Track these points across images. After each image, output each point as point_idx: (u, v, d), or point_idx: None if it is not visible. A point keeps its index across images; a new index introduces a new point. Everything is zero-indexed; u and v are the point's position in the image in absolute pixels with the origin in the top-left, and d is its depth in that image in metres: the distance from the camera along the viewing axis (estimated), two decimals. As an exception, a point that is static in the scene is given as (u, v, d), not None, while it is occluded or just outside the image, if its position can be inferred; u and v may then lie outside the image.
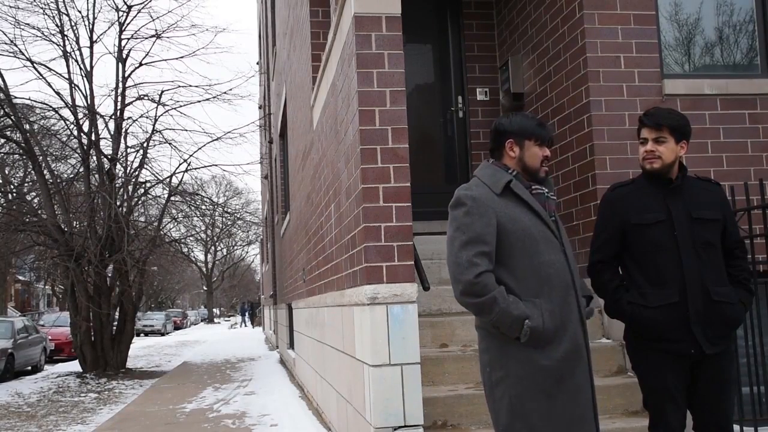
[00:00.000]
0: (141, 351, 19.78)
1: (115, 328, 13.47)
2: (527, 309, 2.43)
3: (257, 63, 21.61)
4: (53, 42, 13.31)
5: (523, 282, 2.48)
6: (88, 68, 13.32)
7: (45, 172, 13.20)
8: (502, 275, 2.48)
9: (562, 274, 2.53)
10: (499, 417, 2.51)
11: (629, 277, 2.90)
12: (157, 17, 16.35)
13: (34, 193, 16.42)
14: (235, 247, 56.80)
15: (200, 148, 17.88)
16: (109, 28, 16.78)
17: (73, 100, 13.14)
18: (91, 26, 13.43)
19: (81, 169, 13.71)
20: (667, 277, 2.79)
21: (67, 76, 13.16)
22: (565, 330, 2.48)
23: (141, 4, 13.60)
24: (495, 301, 2.41)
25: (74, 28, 13.46)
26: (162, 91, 13.62)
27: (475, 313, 2.51)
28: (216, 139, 14.16)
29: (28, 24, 16.34)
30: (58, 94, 13.18)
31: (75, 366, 14.03)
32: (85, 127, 13.24)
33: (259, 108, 20.96)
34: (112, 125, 13.73)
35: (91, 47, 13.41)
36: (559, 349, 2.46)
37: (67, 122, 13.70)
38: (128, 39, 13.74)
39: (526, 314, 2.42)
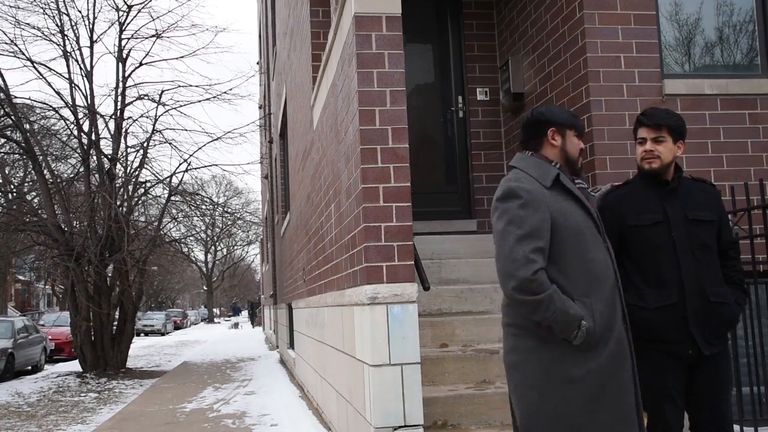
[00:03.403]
0: (141, 351, 19.77)
1: (115, 327, 13.46)
2: (580, 309, 2.35)
3: (257, 63, 21.61)
4: (53, 42, 13.32)
5: (573, 281, 2.39)
6: (88, 68, 13.32)
7: (45, 171, 13.20)
8: (552, 273, 2.38)
9: (608, 273, 2.46)
10: (537, 420, 2.39)
11: (627, 278, 2.87)
12: (158, 17, 16.35)
13: (34, 193, 16.43)
14: (235, 247, 56.84)
15: (200, 148, 17.92)
16: (109, 27, 16.78)
17: (73, 99, 13.15)
18: (91, 26, 13.43)
19: (81, 169, 13.71)
20: (665, 279, 2.78)
21: (67, 75, 13.17)
22: (611, 331, 2.41)
23: (141, 3, 13.61)
24: (552, 299, 2.30)
25: (74, 27, 13.47)
26: (162, 91, 13.63)
27: (528, 311, 2.37)
28: (216, 139, 14.17)
29: (28, 24, 16.36)
30: (58, 93, 13.19)
31: (75, 366, 14.03)
32: (86, 127, 13.25)
33: (259, 108, 20.96)
34: (112, 125, 13.74)
35: (91, 47, 13.41)
36: (605, 350, 2.38)
37: (67, 122, 13.71)
38: (128, 39, 13.74)
39: (581, 314, 2.33)
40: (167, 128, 14.76)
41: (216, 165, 19.40)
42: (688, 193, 2.90)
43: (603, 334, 2.38)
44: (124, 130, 13.67)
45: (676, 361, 2.76)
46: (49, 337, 16.91)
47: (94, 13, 13.54)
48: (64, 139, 14.72)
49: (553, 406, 2.35)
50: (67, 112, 13.44)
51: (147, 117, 13.92)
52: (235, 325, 40.80)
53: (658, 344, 2.77)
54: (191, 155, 14.96)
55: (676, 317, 2.76)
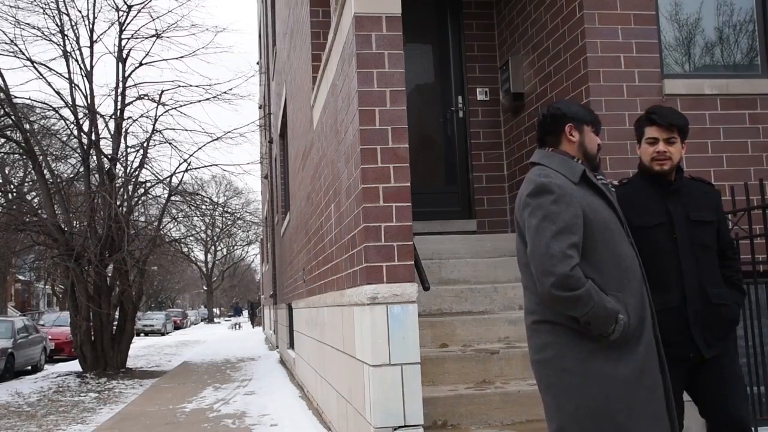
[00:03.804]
0: (141, 351, 19.77)
1: (115, 327, 13.47)
2: (616, 303, 2.32)
3: (257, 63, 21.60)
4: (53, 42, 13.33)
5: (605, 276, 2.37)
6: (88, 68, 13.33)
7: (45, 171, 13.20)
8: (586, 269, 2.34)
9: (636, 267, 2.46)
10: (577, 418, 2.34)
11: None
12: (158, 17, 16.40)
13: (34, 193, 16.42)
14: (235, 247, 56.86)
15: (200, 148, 17.92)
16: (109, 27, 16.80)
17: (73, 99, 13.15)
18: (91, 26, 13.44)
19: (81, 169, 13.71)
20: (667, 281, 2.75)
21: (67, 75, 13.18)
22: (644, 325, 2.41)
23: (141, 3, 13.62)
24: (590, 294, 2.27)
25: (74, 27, 13.48)
26: (162, 91, 13.64)
27: (567, 308, 2.32)
28: (216, 139, 14.17)
29: (28, 24, 16.41)
30: (58, 93, 13.20)
31: (75, 366, 14.03)
32: (85, 127, 13.26)
33: (259, 108, 20.96)
34: (112, 125, 13.76)
35: (91, 47, 13.41)
36: (640, 344, 2.37)
37: (67, 122, 13.72)
38: (128, 39, 13.75)
39: (618, 308, 2.31)
40: (167, 128, 14.78)
41: (216, 165, 19.43)
42: (689, 194, 2.87)
43: (637, 327, 2.37)
44: (124, 130, 13.67)
45: (676, 363, 2.73)
46: (49, 337, 16.91)
47: (94, 13, 13.57)
48: (64, 139, 14.74)
49: (593, 402, 2.31)
50: (67, 112, 13.47)
51: (147, 117, 13.95)
52: (237, 326, 40.49)
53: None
54: (191, 155, 14.97)
55: (678, 320, 2.74)
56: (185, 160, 14.13)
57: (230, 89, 19.29)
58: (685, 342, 2.74)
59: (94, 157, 13.46)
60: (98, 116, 13.37)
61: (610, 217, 2.45)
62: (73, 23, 13.50)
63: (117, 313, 13.66)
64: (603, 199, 2.46)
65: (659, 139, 2.84)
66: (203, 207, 16.87)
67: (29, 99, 13.80)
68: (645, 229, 2.78)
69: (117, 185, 13.31)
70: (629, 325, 2.33)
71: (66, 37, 13.21)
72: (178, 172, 14.13)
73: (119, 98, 13.49)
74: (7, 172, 16.73)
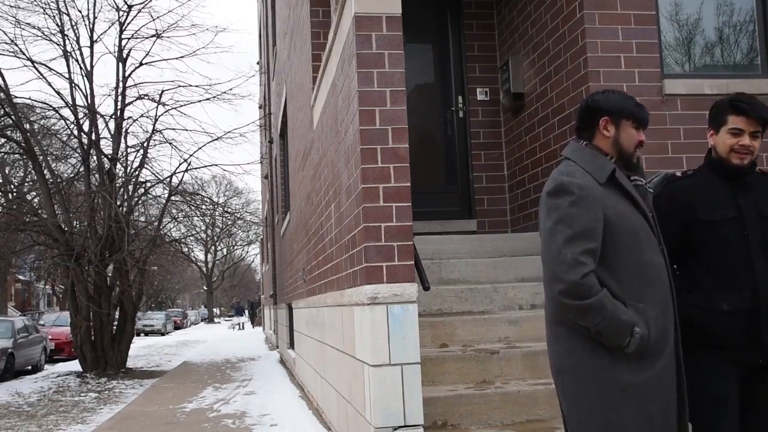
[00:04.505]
0: (141, 351, 19.78)
1: (115, 327, 13.47)
2: (633, 315, 2.19)
3: (257, 63, 21.61)
4: (53, 42, 13.32)
5: (626, 284, 2.22)
6: (89, 68, 13.32)
7: (45, 171, 13.20)
8: (603, 276, 2.20)
9: (663, 278, 2.30)
10: (587, 429, 2.25)
11: (691, 278, 2.60)
12: (158, 17, 16.35)
13: (34, 193, 16.43)
14: (235, 247, 56.88)
15: (200, 148, 17.93)
16: (109, 27, 16.81)
17: (74, 99, 13.15)
18: (91, 26, 13.44)
19: (81, 169, 13.71)
20: (738, 280, 2.53)
21: (67, 75, 13.17)
22: (666, 339, 2.27)
23: (141, 3, 13.61)
24: (602, 304, 2.14)
25: (74, 27, 13.48)
26: (162, 91, 13.62)
27: (576, 317, 2.20)
28: (216, 139, 14.17)
29: (28, 24, 16.39)
30: (58, 93, 13.19)
31: (75, 366, 14.03)
32: (86, 127, 13.26)
33: (260, 108, 20.96)
34: (112, 125, 13.75)
35: (91, 47, 13.41)
36: (660, 359, 2.24)
37: (68, 122, 13.71)
38: (128, 39, 13.74)
39: (634, 320, 2.17)
40: (167, 128, 14.77)
41: (216, 165, 19.43)
42: (761, 188, 2.64)
43: (657, 341, 2.23)
44: (124, 130, 13.67)
45: (737, 370, 2.52)
46: (49, 337, 16.90)
47: (94, 13, 13.56)
48: (64, 139, 14.74)
49: (604, 415, 2.20)
50: (67, 112, 13.47)
51: (147, 117, 13.94)
52: (239, 326, 40.22)
53: (723, 351, 2.52)
54: (191, 155, 14.95)
55: (748, 323, 2.50)
56: (185, 160, 14.14)
57: (230, 89, 19.33)
58: (754, 347, 2.50)
59: (94, 157, 13.46)
60: (98, 116, 13.38)
61: (639, 222, 2.29)
62: (74, 23, 13.52)
63: (117, 313, 13.66)
64: (632, 204, 2.30)
65: (744, 132, 2.58)
66: (203, 207, 16.87)
67: (29, 99, 13.82)
68: (712, 223, 2.56)
69: (117, 185, 13.31)
70: (648, 337, 2.20)
71: (66, 37, 13.23)
72: (178, 172, 14.14)
73: (119, 98, 13.50)
74: (7, 172, 16.73)
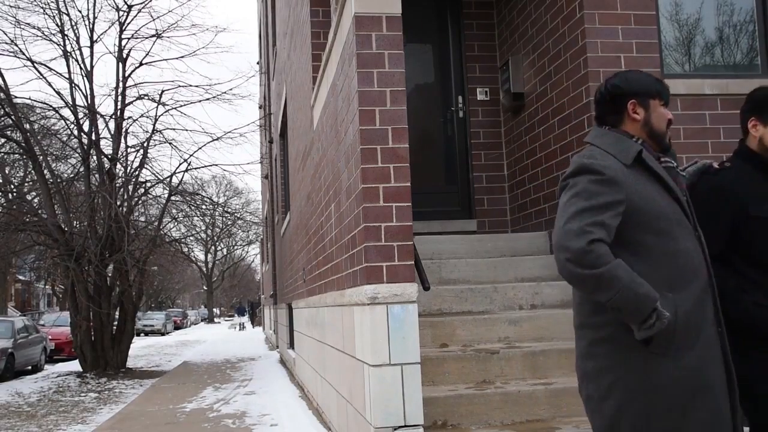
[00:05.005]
0: (141, 351, 19.78)
1: (115, 327, 13.47)
2: (653, 290, 1.98)
3: (257, 63, 21.62)
4: (53, 42, 13.33)
5: (655, 272, 2.03)
6: (89, 68, 13.33)
7: (45, 171, 13.21)
8: (631, 263, 2.01)
9: (698, 265, 2.12)
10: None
11: (744, 276, 2.43)
12: (158, 17, 16.41)
13: (34, 193, 16.43)
14: (235, 247, 56.93)
15: (200, 148, 17.93)
16: (109, 27, 16.83)
17: (74, 99, 13.15)
18: (91, 26, 13.44)
19: (81, 169, 13.71)
20: None
21: (67, 75, 13.18)
22: (698, 333, 2.07)
23: (141, 3, 13.62)
24: (614, 274, 1.94)
25: (74, 27, 13.48)
26: (162, 91, 13.64)
27: (589, 289, 2.02)
28: (216, 139, 14.17)
29: (28, 24, 16.37)
30: (58, 93, 13.20)
31: (75, 366, 14.03)
32: (86, 127, 13.26)
33: (260, 108, 20.96)
34: (112, 125, 13.76)
35: (91, 47, 13.42)
36: (690, 356, 2.04)
37: (68, 122, 13.72)
38: (128, 39, 13.75)
39: (655, 295, 1.96)
40: (167, 128, 14.78)
41: (216, 165, 19.41)
42: None
43: (687, 335, 2.04)
44: (124, 130, 13.68)
45: None
46: (49, 337, 16.90)
47: (94, 13, 13.57)
48: (64, 139, 14.74)
49: (630, 421, 2.05)
50: (67, 112, 13.47)
51: (147, 117, 13.96)
52: (240, 326, 40.06)
53: None
54: (191, 155, 14.96)
55: None
56: (185, 160, 14.15)
57: (230, 89, 19.40)
58: None
59: (94, 157, 13.46)
60: (98, 116, 13.39)
61: (669, 206, 2.11)
62: (73, 23, 13.52)
63: (117, 313, 13.66)
64: (662, 186, 2.13)
65: None
66: (203, 207, 16.87)
67: (29, 99, 13.83)
68: (764, 219, 2.42)
69: (117, 185, 13.31)
70: (675, 327, 2.00)
71: (66, 37, 13.23)
72: (178, 172, 14.15)
73: (119, 98, 13.50)
74: (7, 172, 16.73)
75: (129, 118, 13.79)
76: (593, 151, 2.17)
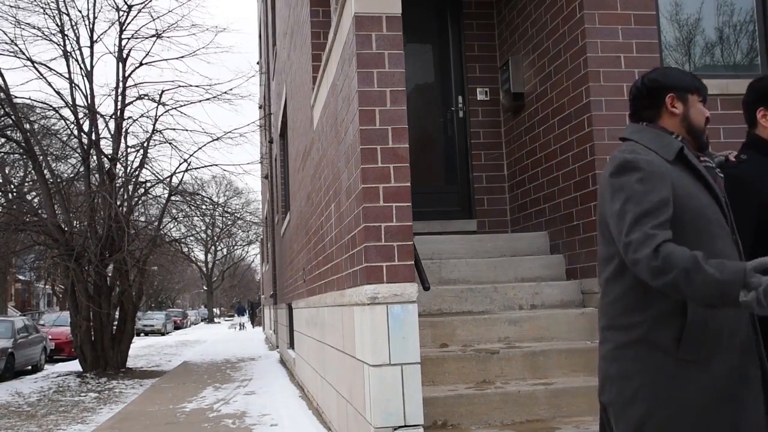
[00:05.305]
0: (141, 351, 19.78)
1: (115, 327, 13.47)
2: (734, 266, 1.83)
3: (257, 63, 21.62)
4: (53, 42, 13.34)
5: None
6: (89, 68, 13.33)
7: (45, 171, 13.21)
8: None
9: None
10: None
11: None
12: (158, 17, 16.41)
13: (34, 193, 16.43)
14: (235, 247, 56.91)
15: (200, 148, 17.92)
16: (109, 27, 16.83)
17: (74, 99, 13.16)
18: (91, 26, 13.44)
19: (81, 169, 13.72)
20: None
21: (67, 75, 13.18)
22: (732, 339, 1.97)
23: (141, 3, 13.62)
24: (687, 272, 1.81)
25: (74, 27, 13.48)
26: (162, 91, 13.64)
27: (676, 293, 1.86)
28: (216, 139, 14.18)
29: (28, 24, 16.42)
30: (58, 93, 13.20)
31: (75, 366, 14.03)
32: (86, 127, 13.27)
33: (260, 108, 20.96)
34: (112, 125, 13.76)
35: (91, 47, 13.42)
36: (723, 362, 1.95)
37: (68, 122, 13.72)
38: (129, 39, 13.76)
39: (739, 268, 1.80)
40: (167, 128, 14.79)
41: (216, 165, 19.42)
42: None
43: (719, 341, 1.96)
44: (124, 130, 13.68)
45: None
46: (49, 337, 16.90)
47: (94, 13, 13.57)
48: (64, 138, 14.74)
49: (657, 428, 1.96)
50: (67, 112, 13.48)
51: (147, 117, 13.96)
52: (240, 326, 40.08)
53: None
54: (191, 155, 14.97)
55: None
56: (185, 160, 14.15)
57: (230, 89, 19.37)
58: None
59: (94, 157, 13.46)
60: (98, 116, 13.39)
61: (710, 205, 2.03)
62: (74, 23, 13.53)
63: (117, 313, 13.66)
64: (704, 185, 2.06)
65: None
66: (203, 207, 16.88)
67: (29, 99, 13.84)
68: None
69: (117, 185, 13.32)
70: (704, 328, 1.92)
71: (66, 37, 13.23)
72: (178, 172, 14.16)
73: (119, 98, 13.50)
74: (7, 172, 16.73)
75: (129, 118, 13.82)
76: (633, 146, 2.09)
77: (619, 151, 2.08)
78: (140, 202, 15.02)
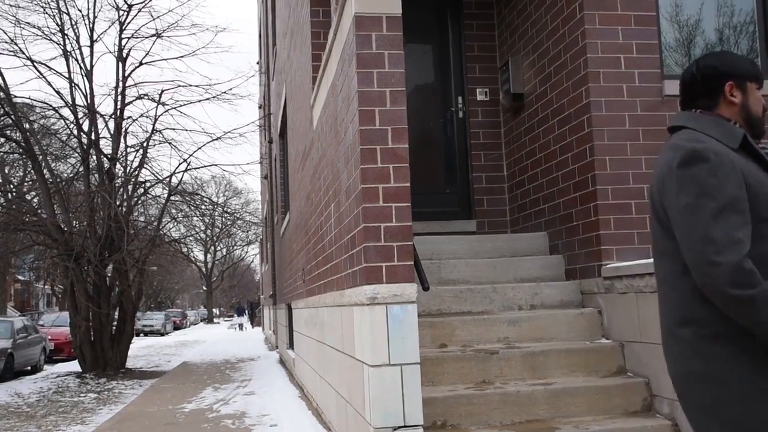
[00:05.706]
0: (141, 351, 19.77)
1: (114, 328, 13.47)
2: None
3: (257, 63, 21.62)
4: (53, 41, 13.33)
5: (764, 267, 1.81)
6: (89, 67, 13.33)
7: (45, 171, 13.20)
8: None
9: None
10: None
11: None
12: (158, 16, 16.55)
13: (33, 193, 16.42)
14: (235, 247, 56.91)
15: (200, 148, 17.91)
16: (109, 27, 16.83)
17: (73, 99, 13.15)
18: (91, 25, 13.44)
19: (81, 169, 13.71)
20: None
21: (67, 75, 13.17)
22: None
23: (141, 3, 13.62)
24: (766, 297, 1.72)
25: (74, 27, 13.48)
26: (162, 91, 13.64)
27: (737, 313, 1.77)
28: (216, 139, 14.18)
29: (28, 23, 16.45)
30: (58, 93, 13.20)
31: (74, 366, 14.02)
32: (85, 127, 13.27)
33: (259, 108, 20.96)
34: (112, 124, 13.76)
35: (91, 46, 13.41)
36: None
37: (67, 121, 13.71)
38: (128, 38, 13.75)
39: None
40: (167, 128, 14.77)
41: (216, 165, 19.42)
42: None
43: None
44: (123, 129, 13.68)
45: None
46: (49, 337, 16.90)
47: (94, 13, 13.56)
48: (64, 138, 14.74)
49: (759, 427, 1.82)
50: (66, 112, 13.47)
51: (147, 117, 13.96)
52: (240, 327, 40.07)
53: None
54: (191, 155, 14.96)
55: None
56: (185, 160, 14.15)
57: (230, 89, 19.36)
58: None
59: (94, 157, 13.46)
60: (98, 116, 13.39)
61: None
62: (74, 22, 13.53)
63: (116, 313, 13.66)
64: (767, 172, 1.95)
65: None
66: (203, 207, 16.88)
67: (29, 98, 13.83)
68: None
69: (117, 185, 13.32)
70: None
71: (66, 37, 13.23)
72: (178, 172, 14.15)
73: (119, 98, 13.50)
74: (7, 171, 16.73)
75: (129, 117, 13.81)
76: (694, 133, 1.97)
77: (679, 140, 1.97)
78: (140, 202, 15.02)
